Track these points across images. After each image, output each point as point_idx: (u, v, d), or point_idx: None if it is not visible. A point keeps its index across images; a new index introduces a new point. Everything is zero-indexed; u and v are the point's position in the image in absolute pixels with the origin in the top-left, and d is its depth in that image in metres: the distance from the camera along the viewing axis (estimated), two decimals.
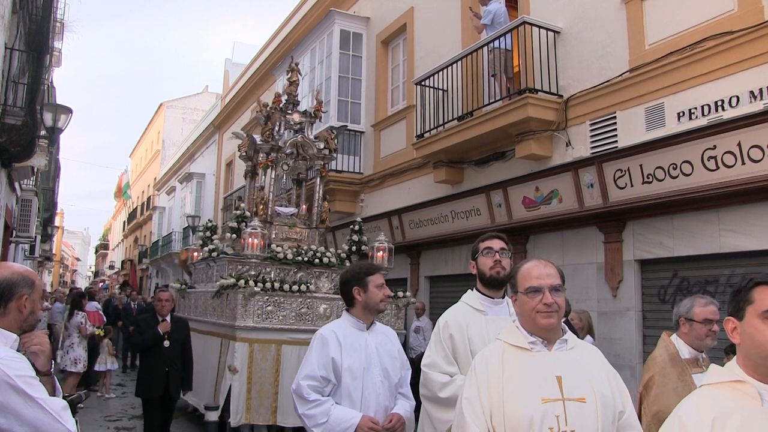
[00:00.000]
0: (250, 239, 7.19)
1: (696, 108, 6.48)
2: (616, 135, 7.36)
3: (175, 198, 30.76)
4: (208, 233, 9.46)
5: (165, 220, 32.97)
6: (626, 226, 7.32)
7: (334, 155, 9.30)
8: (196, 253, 9.62)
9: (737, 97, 6.11)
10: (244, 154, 9.35)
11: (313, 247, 8.30)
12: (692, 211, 6.57)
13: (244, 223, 8.12)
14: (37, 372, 2.16)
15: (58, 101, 15.49)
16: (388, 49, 12.87)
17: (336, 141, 9.21)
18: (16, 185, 13.41)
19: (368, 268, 3.74)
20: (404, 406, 3.61)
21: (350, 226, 9.03)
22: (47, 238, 27.74)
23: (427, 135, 9.86)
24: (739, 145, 5.79)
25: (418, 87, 10.14)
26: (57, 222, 35.68)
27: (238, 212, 8.51)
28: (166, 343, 6.39)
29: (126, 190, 46.06)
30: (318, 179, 9.15)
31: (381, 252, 7.87)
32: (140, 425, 8.67)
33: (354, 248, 8.65)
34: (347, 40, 13.17)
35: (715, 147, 5.99)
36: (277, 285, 7.16)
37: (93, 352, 10.80)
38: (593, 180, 7.27)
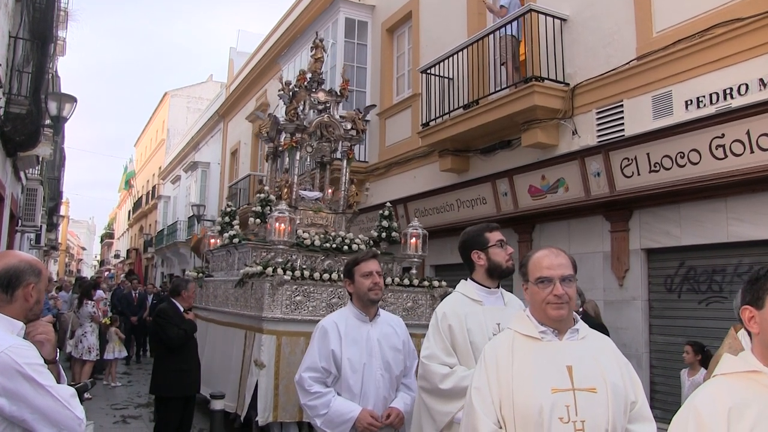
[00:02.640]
0: (277, 224, 6.61)
1: (704, 96, 6.43)
2: (622, 123, 7.31)
3: (180, 187, 30.82)
4: (227, 219, 8.97)
5: (170, 209, 33.06)
6: (633, 214, 7.30)
7: (363, 137, 8.77)
8: (213, 240, 9.12)
9: (746, 85, 6.06)
10: (266, 134, 8.87)
11: (341, 233, 7.91)
12: (700, 200, 6.53)
13: (268, 208, 7.67)
14: (44, 361, 2.16)
15: (63, 90, 15.49)
16: (394, 37, 12.81)
17: (364, 122, 8.69)
18: (22, 174, 13.42)
19: (356, 258, 3.71)
20: (404, 399, 3.60)
21: (379, 211, 8.67)
22: (53, 227, 27.78)
23: (432, 123, 9.83)
24: (747, 133, 5.75)
25: (424, 75, 10.09)
26: (62, 211, 35.69)
27: (262, 195, 8.03)
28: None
29: (128, 179, 46.21)
30: (345, 162, 8.65)
31: (414, 239, 7.34)
32: (146, 413, 8.72)
33: (384, 234, 8.17)
34: (352, 28, 13.11)
35: (723, 135, 5.94)
36: (306, 273, 6.64)
37: (101, 341, 10.86)
38: (600, 168, 7.23)
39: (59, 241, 42.16)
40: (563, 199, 7.81)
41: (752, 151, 5.75)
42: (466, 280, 3.39)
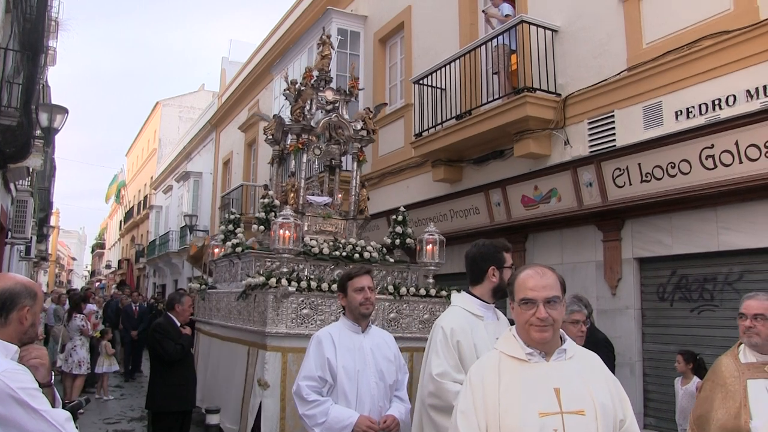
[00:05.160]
0: (281, 231, 6.07)
1: (694, 107, 6.49)
2: (614, 134, 7.36)
3: (172, 197, 30.73)
4: (231, 226, 8.44)
5: (162, 219, 32.95)
6: (625, 224, 7.33)
7: (373, 137, 8.22)
8: (217, 250, 8.68)
9: (734, 96, 6.12)
10: (271, 137, 8.26)
11: (352, 240, 7.38)
12: (690, 210, 6.58)
13: (273, 214, 7.16)
14: (39, 384, 2.15)
15: (53, 100, 15.46)
16: (386, 47, 12.85)
17: (374, 122, 8.16)
18: (12, 186, 13.37)
19: (350, 273, 3.84)
20: (399, 408, 3.72)
21: (392, 216, 8.19)
22: (43, 238, 27.63)
23: (425, 134, 9.85)
24: (736, 144, 5.81)
25: (416, 86, 10.13)
26: (52, 222, 35.54)
27: (266, 200, 7.50)
28: (193, 351, 6.21)
29: (119, 190, 46.01)
30: (355, 164, 8.12)
31: (430, 245, 6.77)
32: (140, 428, 8.68)
33: (398, 241, 7.63)
34: (345, 38, 13.13)
35: (712, 146, 6.00)
36: (313, 284, 6.13)
37: (92, 354, 10.80)
38: (592, 179, 7.27)
39: (49, 252, 41.90)
40: (556, 209, 7.85)
41: (741, 162, 5.82)
42: (460, 292, 3.42)
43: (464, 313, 3.30)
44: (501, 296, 3.36)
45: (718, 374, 3.24)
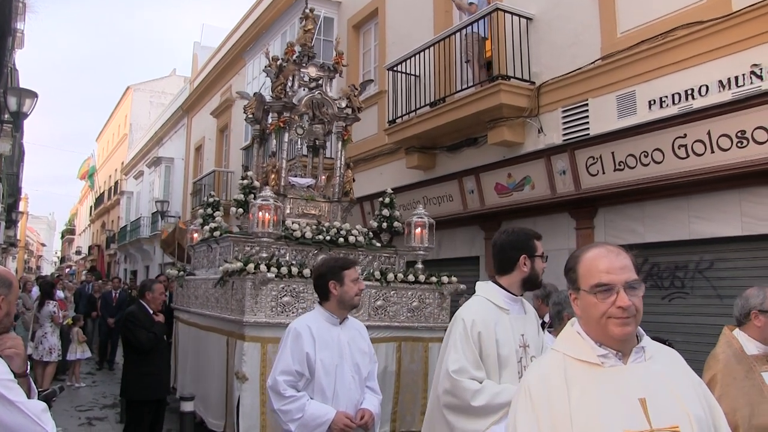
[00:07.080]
0: (260, 213, 5.75)
1: (667, 96, 6.56)
2: (588, 122, 7.42)
3: (143, 183, 30.36)
4: (209, 210, 8.07)
5: (133, 205, 32.56)
6: (598, 212, 7.42)
7: (359, 115, 7.85)
8: (195, 234, 8.35)
9: (707, 87, 6.20)
10: (251, 116, 7.91)
11: (336, 223, 7.01)
12: (662, 199, 6.67)
13: (252, 196, 6.82)
14: (14, 374, 2.12)
15: (22, 84, 15.11)
16: (360, 33, 12.78)
17: (360, 99, 7.82)
18: None
19: (344, 262, 3.76)
20: (372, 401, 3.66)
21: (379, 198, 7.92)
22: (11, 223, 27.15)
23: (399, 121, 9.84)
24: (708, 134, 5.89)
25: (390, 72, 10.10)
26: (21, 207, 34.93)
27: (245, 182, 7.16)
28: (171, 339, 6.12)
29: (92, 174, 45.29)
30: (340, 144, 7.69)
31: (419, 228, 6.49)
32: (113, 415, 8.60)
33: (385, 224, 7.33)
34: (318, 24, 13.02)
35: (685, 135, 6.08)
36: (294, 270, 5.78)
37: (63, 342, 10.65)
38: (565, 167, 7.33)
39: (18, 237, 41.12)
40: (529, 196, 7.90)
41: (713, 151, 5.90)
42: (488, 283, 3.22)
43: (488, 304, 3.09)
44: (530, 287, 3.17)
45: (731, 369, 3.08)
